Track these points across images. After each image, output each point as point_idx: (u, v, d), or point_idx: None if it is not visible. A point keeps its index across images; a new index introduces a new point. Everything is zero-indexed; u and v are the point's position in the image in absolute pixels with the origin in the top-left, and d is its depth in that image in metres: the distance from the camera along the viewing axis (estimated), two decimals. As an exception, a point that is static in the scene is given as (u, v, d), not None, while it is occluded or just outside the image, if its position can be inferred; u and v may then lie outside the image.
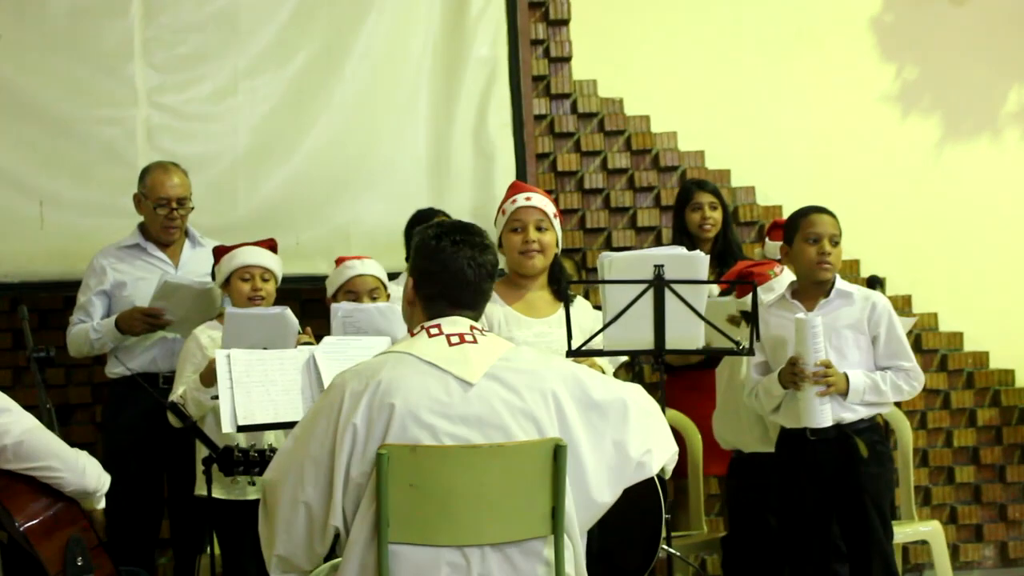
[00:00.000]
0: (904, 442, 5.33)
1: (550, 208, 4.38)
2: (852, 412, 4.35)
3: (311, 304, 5.48)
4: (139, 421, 4.91)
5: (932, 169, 6.75)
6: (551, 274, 4.43)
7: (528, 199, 4.36)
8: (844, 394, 4.32)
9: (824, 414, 4.29)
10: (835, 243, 4.42)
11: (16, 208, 5.63)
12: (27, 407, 3.54)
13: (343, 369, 3.11)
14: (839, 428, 4.34)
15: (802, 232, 4.44)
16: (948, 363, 6.50)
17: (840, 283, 4.47)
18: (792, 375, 4.29)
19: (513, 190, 4.47)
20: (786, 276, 4.81)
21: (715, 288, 4.94)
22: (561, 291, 4.41)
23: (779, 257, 5.05)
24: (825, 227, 4.42)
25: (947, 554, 5.17)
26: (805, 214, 4.48)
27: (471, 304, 3.13)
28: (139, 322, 4.92)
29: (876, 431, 4.43)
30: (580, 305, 4.48)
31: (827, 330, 4.33)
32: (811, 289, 4.46)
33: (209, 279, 4.84)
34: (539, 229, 4.33)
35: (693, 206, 5.57)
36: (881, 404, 4.41)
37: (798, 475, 4.42)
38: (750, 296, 4.76)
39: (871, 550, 4.34)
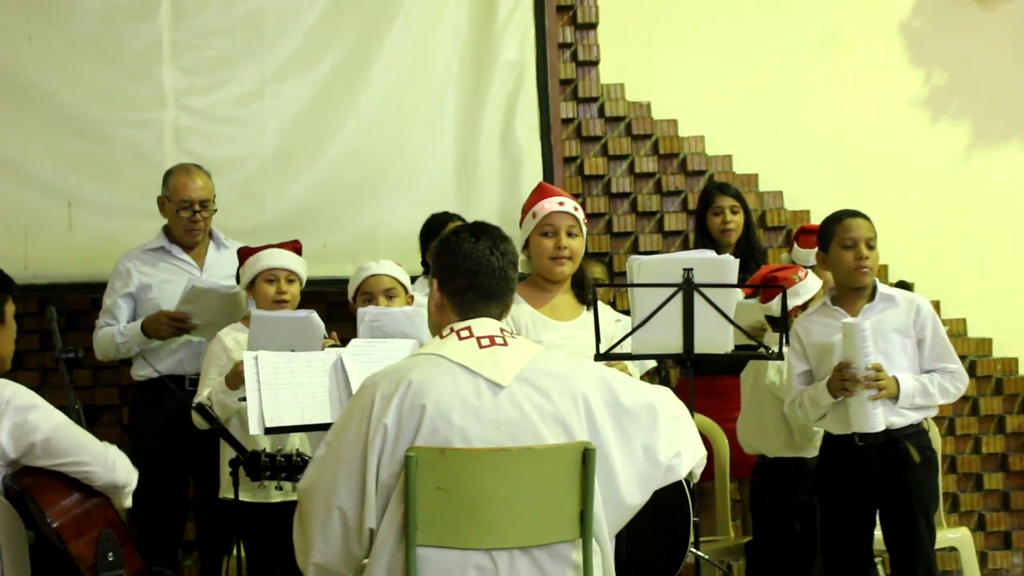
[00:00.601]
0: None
1: (580, 214, 4.36)
2: (902, 417, 4.33)
3: (337, 307, 5.48)
4: (166, 423, 4.92)
5: (961, 174, 6.72)
6: (574, 278, 4.43)
7: (561, 204, 4.33)
8: (895, 398, 4.29)
9: (877, 418, 4.26)
10: (871, 246, 4.40)
11: (45, 210, 5.66)
12: (56, 408, 3.54)
13: (370, 371, 3.11)
14: (888, 433, 4.32)
15: (838, 238, 4.42)
16: (977, 369, 6.46)
17: (882, 287, 4.45)
18: (841, 381, 4.26)
19: (541, 192, 4.45)
20: (811, 280, 4.79)
21: (739, 292, 4.91)
22: (584, 295, 4.40)
23: (808, 263, 5.04)
24: (861, 231, 4.40)
25: (976, 561, 5.15)
26: (839, 219, 4.45)
27: (499, 291, 3.13)
28: (165, 326, 4.92)
29: (924, 436, 4.41)
30: (604, 310, 4.47)
31: (874, 335, 4.30)
32: (851, 294, 4.44)
33: (235, 282, 4.84)
34: (570, 235, 4.31)
35: (714, 210, 5.57)
36: (929, 407, 4.39)
37: (847, 479, 4.39)
38: (776, 301, 4.76)
39: (916, 556, 4.32)
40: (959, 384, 4.41)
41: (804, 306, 4.65)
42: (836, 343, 4.34)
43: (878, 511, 4.42)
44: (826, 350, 4.40)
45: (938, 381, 4.36)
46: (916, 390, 4.32)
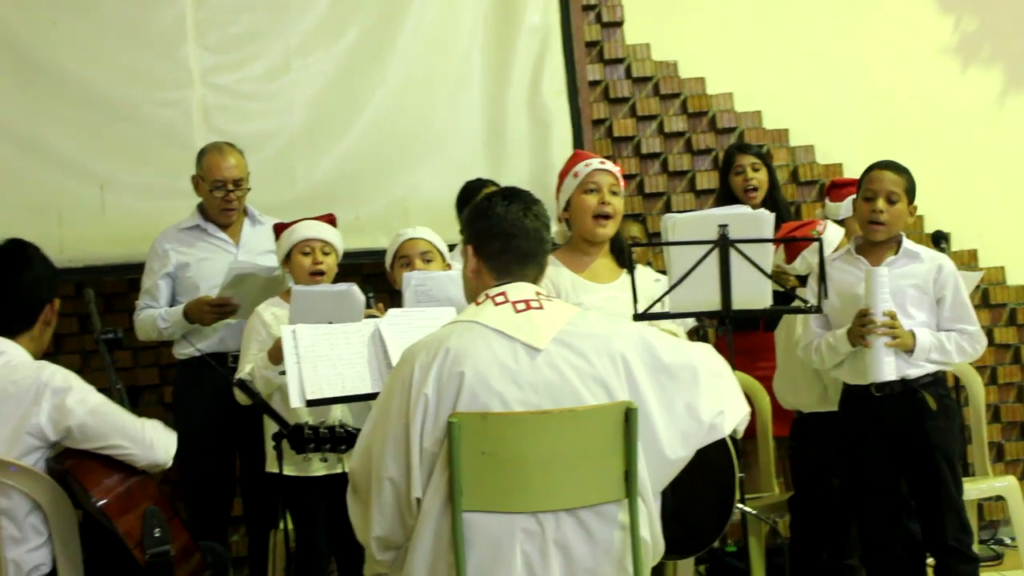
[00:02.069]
0: (976, 398, 5.27)
1: (619, 175, 4.39)
2: (917, 368, 4.30)
3: (372, 278, 5.48)
4: (209, 401, 4.93)
5: (994, 121, 6.64)
6: (613, 242, 4.42)
7: (603, 163, 4.38)
8: (910, 351, 4.27)
9: (888, 367, 4.24)
10: (892, 201, 4.33)
11: (78, 193, 5.68)
12: (97, 390, 3.56)
13: (408, 340, 3.12)
14: (904, 383, 4.29)
15: (862, 188, 4.39)
16: (1018, 316, 6.42)
17: (907, 243, 4.41)
18: (861, 327, 4.24)
19: (578, 157, 4.47)
20: (830, 232, 4.77)
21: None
22: (624, 259, 4.40)
23: (839, 217, 5.01)
24: (882, 184, 4.34)
25: (1024, 508, 5.11)
26: (869, 169, 4.42)
27: (534, 253, 3.14)
28: (208, 314, 4.94)
29: (942, 384, 4.37)
30: (642, 272, 4.47)
31: (892, 288, 4.28)
32: (876, 246, 4.41)
33: (275, 263, 4.84)
34: (612, 193, 4.33)
35: (735, 169, 5.55)
36: (945, 363, 4.36)
37: (863, 432, 4.37)
38: (799, 259, 4.74)
39: (943, 504, 4.28)
40: (976, 345, 4.37)
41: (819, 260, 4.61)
42: (856, 292, 4.32)
43: (901, 464, 4.38)
44: (845, 297, 4.37)
45: (956, 339, 4.33)
46: (932, 345, 4.29)
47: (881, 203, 4.32)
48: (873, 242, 4.40)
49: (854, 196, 4.54)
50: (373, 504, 2.99)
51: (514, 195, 3.18)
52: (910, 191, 4.36)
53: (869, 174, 4.40)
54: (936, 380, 4.35)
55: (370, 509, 3.00)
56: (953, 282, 4.37)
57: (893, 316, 4.23)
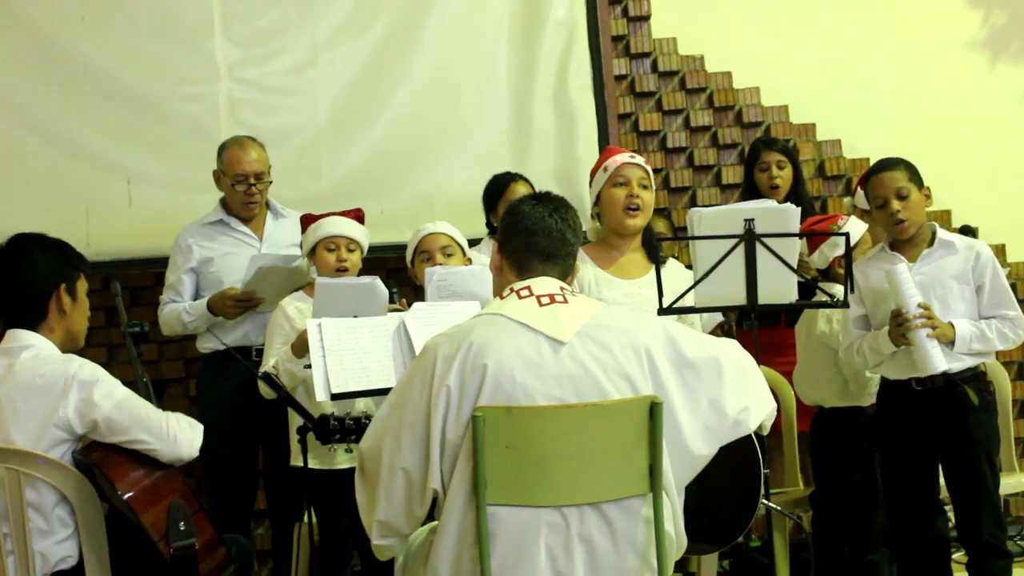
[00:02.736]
0: (1003, 392, 5.24)
1: (650, 170, 4.44)
2: (959, 361, 4.29)
3: (397, 273, 5.49)
4: (233, 394, 4.95)
5: (1022, 116, 6.60)
6: (644, 237, 4.43)
7: (632, 157, 4.43)
8: (951, 343, 4.25)
9: (939, 358, 4.23)
10: (903, 196, 4.32)
11: (104, 187, 5.71)
12: (123, 383, 3.57)
13: (433, 334, 3.11)
14: (946, 377, 4.28)
15: (870, 198, 4.42)
16: (1045, 312, 6.37)
17: (942, 233, 4.40)
18: (898, 327, 4.23)
19: (609, 153, 4.53)
20: (852, 225, 4.75)
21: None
22: (654, 253, 4.41)
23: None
24: (887, 186, 4.35)
25: (1051, 505, 5.09)
26: (867, 178, 4.45)
27: (556, 253, 3.14)
28: (231, 308, 4.95)
29: (982, 380, 4.36)
30: (672, 266, 4.48)
31: (932, 281, 4.29)
32: (908, 240, 4.39)
33: (298, 253, 4.85)
34: (642, 187, 4.37)
35: (760, 165, 5.54)
36: (987, 352, 4.34)
37: (903, 425, 4.35)
38: (817, 253, 4.73)
39: (981, 499, 4.27)
40: (1019, 330, 4.35)
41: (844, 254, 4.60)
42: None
43: (940, 458, 4.37)
44: (883, 295, 4.37)
45: (996, 327, 4.32)
46: (973, 335, 4.28)
47: (895, 204, 4.32)
48: (901, 240, 4.38)
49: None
50: (380, 490, 2.99)
51: (546, 198, 3.21)
52: (915, 178, 4.37)
53: (870, 182, 4.41)
54: (977, 375, 4.34)
55: (376, 492, 3.00)
56: (992, 267, 4.37)
57: (927, 307, 4.22)
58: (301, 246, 4.77)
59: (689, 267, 4.35)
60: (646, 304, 4.21)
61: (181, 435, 3.53)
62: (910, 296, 4.22)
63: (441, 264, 4.51)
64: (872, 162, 6.18)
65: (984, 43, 6.61)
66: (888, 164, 4.40)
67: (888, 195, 4.33)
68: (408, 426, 2.96)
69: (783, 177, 5.50)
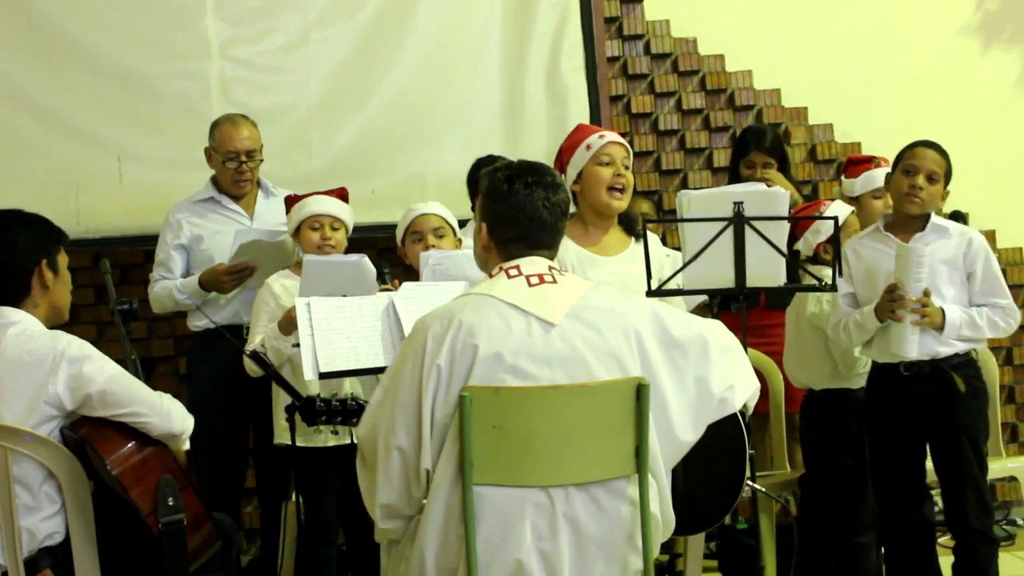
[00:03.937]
0: (990, 378, 5.23)
1: (630, 150, 4.40)
2: (948, 347, 4.30)
3: (388, 253, 5.49)
4: (223, 373, 4.94)
5: (1015, 101, 6.60)
6: (621, 215, 4.42)
7: (614, 135, 4.37)
8: (940, 328, 4.27)
9: (912, 345, 4.24)
10: (932, 180, 4.34)
11: (95, 164, 5.71)
12: (112, 360, 3.57)
13: (422, 313, 3.11)
14: (934, 363, 4.30)
15: (902, 163, 4.40)
16: (1034, 298, 6.39)
17: (936, 219, 4.41)
18: (890, 303, 4.24)
19: (585, 129, 4.47)
20: (837, 208, 4.75)
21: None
22: (633, 228, 4.39)
23: (855, 194, 4.99)
24: (925, 161, 4.35)
25: (1036, 490, 5.11)
26: (911, 146, 4.43)
27: (548, 244, 3.14)
28: (227, 283, 4.95)
29: (972, 366, 4.38)
30: (653, 240, 4.46)
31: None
32: (905, 222, 4.41)
33: (283, 227, 4.85)
34: (625, 167, 4.33)
35: (747, 163, 5.50)
36: (977, 340, 4.36)
37: (891, 410, 4.37)
38: (801, 241, 4.74)
39: (967, 485, 4.29)
40: (1010, 319, 4.37)
41: (830, 240, 4.60)
42: (884, 269, 4.32)
43: (928, 443, 4.39)
44: (873, 275, 4.38)
45: (987, 315, 4.33)
46: (963, 322, 4.29)
47: (921, 179, 4.33)
48: (905, 218, 4.39)
49: (869, 172, 4.54)
50: (380, 472, 2.99)
51: (537, 178, 3.13)
52: (948, 175, 4.39)
53: (913, 150, 4.40)
54: (966, 362, 4.36)
55: (376, 475, 3.01)
56: (984, 255, 4.38)
57: (928, 295, 4.23)
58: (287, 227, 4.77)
59: (677, 249, 4.35)
60: (631, 280, 4.20)
61: (175, 410, 3.54)
62: (917, 280, 4.23)
63: (433, 246, 4.51)
64: (864, 147, 6.23)
65: (977, 28, 6.61)
66: (937, 147, 4.42)
67: (920, 168, 4.34)
68: (401, 407, 2.96)
69: (768, 177, 5.46)
